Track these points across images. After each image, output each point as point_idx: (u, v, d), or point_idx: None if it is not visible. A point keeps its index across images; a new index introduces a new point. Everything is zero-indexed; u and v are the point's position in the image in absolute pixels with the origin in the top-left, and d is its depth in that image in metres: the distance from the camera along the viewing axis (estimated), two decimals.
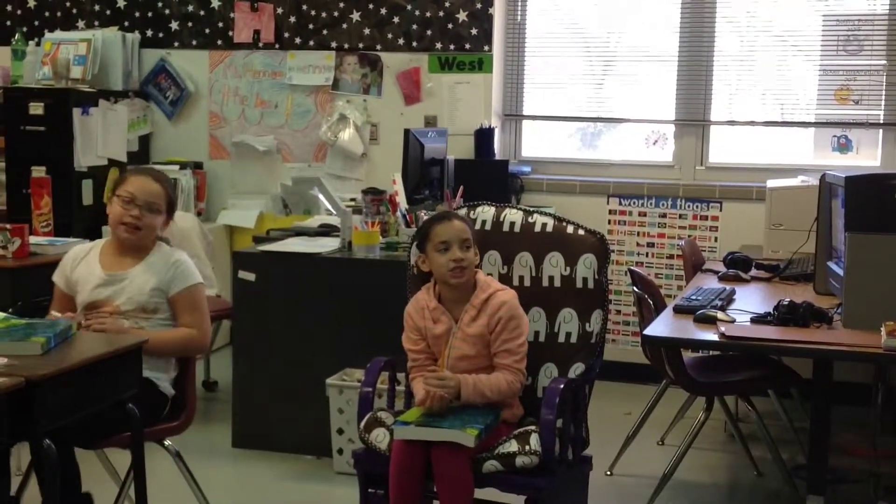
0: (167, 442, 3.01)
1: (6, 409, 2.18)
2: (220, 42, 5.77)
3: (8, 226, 3.81)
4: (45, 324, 2.64)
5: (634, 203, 5.31)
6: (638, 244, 5.32)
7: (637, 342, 4.88)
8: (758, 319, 3.02)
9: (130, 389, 2.64)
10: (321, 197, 4.93)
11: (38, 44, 5.62)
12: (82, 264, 3.11)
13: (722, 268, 4.05)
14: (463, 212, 3.02)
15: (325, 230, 4.38)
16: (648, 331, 2.99)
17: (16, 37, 5.63)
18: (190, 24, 5.81)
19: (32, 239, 3.92)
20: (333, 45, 5.61)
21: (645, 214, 5.30)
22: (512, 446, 2.61)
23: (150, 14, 5.85)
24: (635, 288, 3.71)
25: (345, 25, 5.59)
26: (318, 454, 3.90)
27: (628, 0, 5.40)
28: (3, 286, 3.74)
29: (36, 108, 5.21)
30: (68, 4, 5.92)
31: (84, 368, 2.42)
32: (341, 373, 3.78)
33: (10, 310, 3.04)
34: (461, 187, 4.39)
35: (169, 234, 3.23)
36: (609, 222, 5.32)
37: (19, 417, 2.22)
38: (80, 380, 2.41)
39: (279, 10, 5.66)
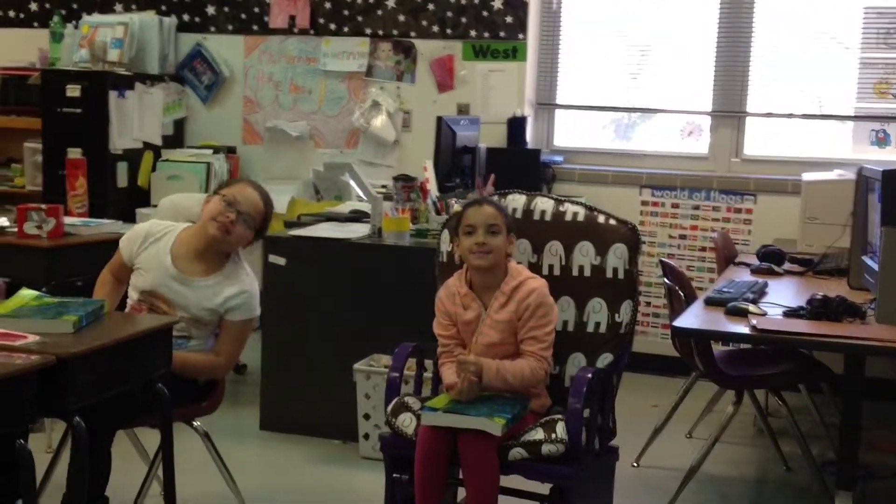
0: (196, 423, 3.04)
1: (37, 387, 2.21)
2: (255, 27, 5.79)
3: (43, 206, 3.86)
4: (77, 302, 2.66)
5: (668, 194, 5.27)
6: (670, 236, 5.28)
7: (667, 335, 4.85)
8: (790, 313, 2.98)
9: (160, 369, 2.66)
10: (352, 183, 4.94)
11: (76, 26, 5.67)
12: (153, 247, 3.05)
13: (755, 261, 4.01)
14: (491, 198, 3.01)
15: (356, 216, 4.39)
16: (678, 322, 2.97)
17: (54, 19, 5.69)
18: (226, 9, 5.83)
19: (67, 219, 3.96)
20: (368, 31, 5.61)
21: (678, 206, 5.26)
22: (538, 434, 2.60)
23: None
24: (666, 279, 3.68)
25: (379, 12, 5.58)
26: (344, 438, 3.92)
27: None
28: (37, 265, 3.79)
29: (73, 91, 5.26)
30: None
31: (114, 347, 2.44)
32: (369, 358, 3.80)
33: (44, 289, 3.07)
34: (492, 175, 4.38)
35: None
36: (641, 213, 5.29)
37: (51, 395, 2.25)
38: (110, 358, 2.43)
39: None
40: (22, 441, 2.22)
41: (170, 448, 2.75)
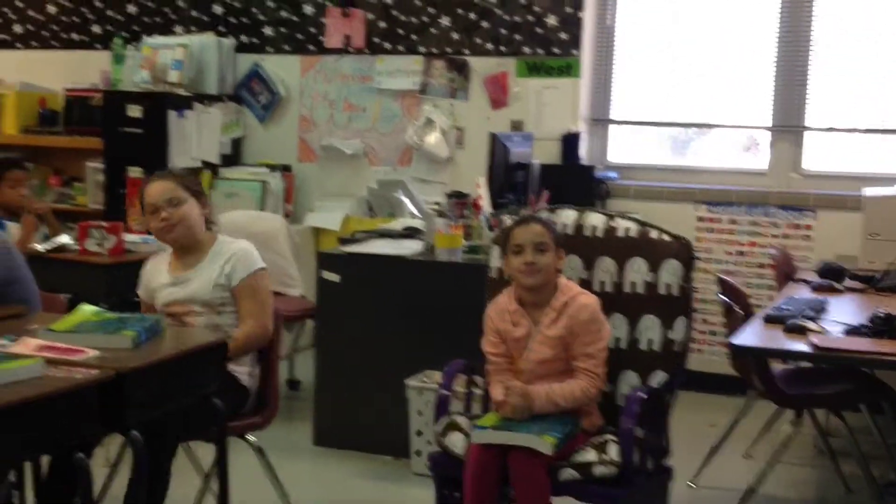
0: (250, 437, 3.07)
1: (97, 401, 2.25)
2: (311, 47, 5.86)
3: (104, 224, 3.95)
4: (135, 318, 2.71)
5: (725, 210, 5.20)
6: (727, 252, 5.20)
7: (724, 352, 4.77)
8: (851, 331, 2.93)
9: (214, 384, 2.69)
10: (405, 200, 4.96)
11: (137, 48, 5.79)
12: (155, 273, 3.19)
13: (815, 278, 3.94)
14: (544, 216, 3.00)
15: (409, 233, 4.41)
16: (736, 340, 2.93)
17: (116, 41, 5.82)
18: (282, 29, 5.91)
19: (127, 237, 4.05)
20: (422, 49, 5.64)
21: (735, 222, 5.19)
22: (590, 455, 2.58)
23: (244, 20, 5.97)
24: (723, 296, 3.63)
25: (433, 30, 5.62)
26: (396, 455, 3.93)
27: (723, 2, 5.30)
28: (98, 281, 3.88)
29: (134, 111, 5.38)
30: (167, 10, 6.09)
31: (171, 362, 2.48)
32: (421, 374, 3.80)
33: (104, 304, 3.13)
34: (545, 192, 4.36)
35: (217, 220, 3.27)
36: (697, 230, 5.22)
37: (110, 410, 2.28)
38: (167, 373, 2.47)
39: (369, 16, 5.72)
40: (81, 455, 2.27)
41: (225, 462, 2.78)
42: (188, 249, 3.13)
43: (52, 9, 6.26)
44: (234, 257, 3.10)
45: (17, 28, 6.34)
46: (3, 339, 2.46)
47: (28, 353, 2.34)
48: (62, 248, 3.97)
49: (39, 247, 3.95)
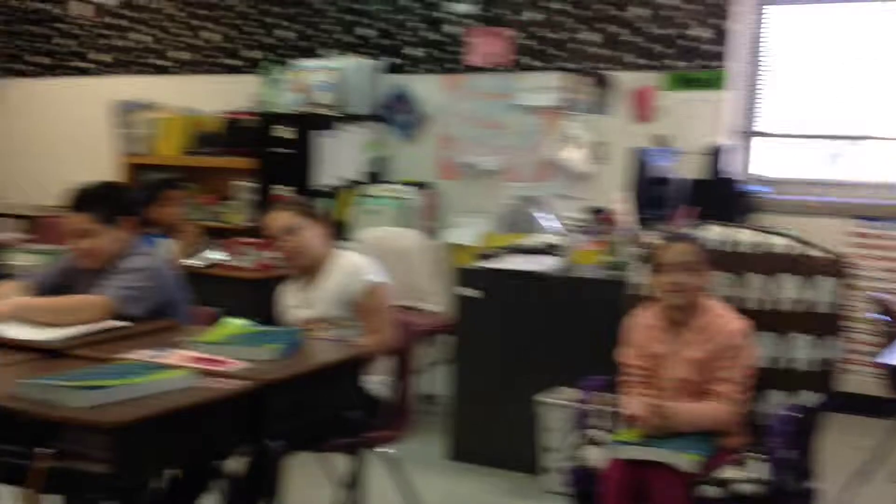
0: (385, 450, 3.10)
1: (245, 412, 2.32)
2: (453, 66, 5.92)
3: (253, 241, 4.09)
4: (279, 332, 2.80)
5: (882, 226, 4.94)
6: (884, 270, 4.94)
7: (871, 372, 4.53)
8: None
9: (351, 397, 2.74)
10: (544, 216, 4.94)
11: (287, 72, 6.00)
12: (283, 294, 3.36)
13: None
14: (693, 233, 2.93)
15: (547, 249, 4.38)
16: (894, 360, 2.78)
17: (267, 65, 6.05)
18: (426, 50, 6.00)
19: (267, 254, 4.17)
20: (564, 65, 5.61)
21: (891, 237, 4.92)
22: (733, 473, 2.49)
23: (390, 42, 6.09)
24: (878, 315, 3.45)
25: (576, 45, 5.58)
26: (529, 471, 3.89)
27: (877, 11, 5.06)
28: (246, 296, 4.01)
29: (283, 132, 5.56)
30: (315, 34, 6.28)
31: (311, 375, 2.54)
32: (555, 390, 3.76)
33: (255, 319, 3.25)
34: (691, 208, 4.25)
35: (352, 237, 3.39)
36: (851, 245, 4.98)
37: (250, 420, 2.36)
38: (307, 386, 2.53)
39: (512, 33, 5.74)
40: (221, 462, 2.35)
41: (360, 474, 2.82)
42: (309, 269, 3.27)
43: (207, 35, 6.56)
44: (348, 272, 3.22)
45: (177, 55, 6.67)
46: (156, 351, 2.58)
47: (179, 364, 2.45)
48: (215, 264, 4.14)
49: (195, 263, 4.13)
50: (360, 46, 6.14)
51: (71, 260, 3.11)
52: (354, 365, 2.75)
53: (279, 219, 3.27)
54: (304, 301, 3.24)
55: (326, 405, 2.65)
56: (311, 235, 3.26)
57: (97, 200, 2.99)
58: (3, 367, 2.41)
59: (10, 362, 2.49)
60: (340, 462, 3.00)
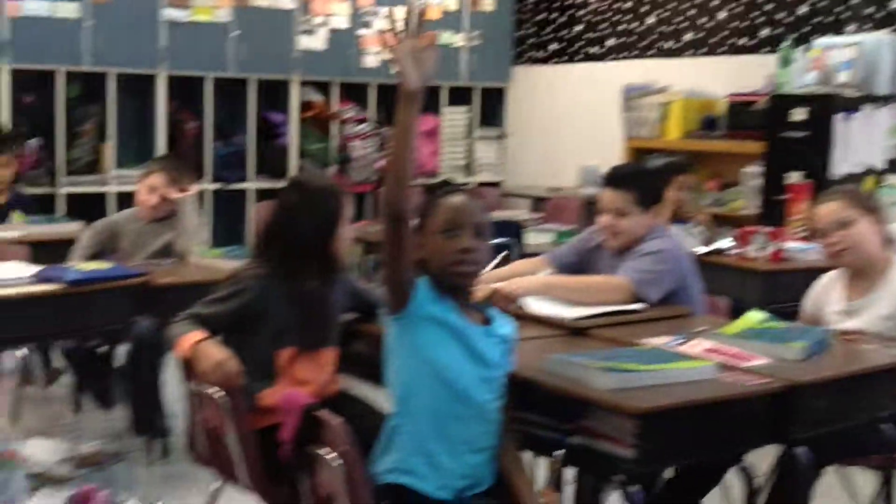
0: None
1: (766, 412, 2.19)
2: None
3: (766, 230, 3.89)
4: (801, 330, 2.61)
5: None
6: None
7: None
8: None
9: (887, 408, 2.46)
10: None
11: (806, 50, 5.65)
12: (825, 295, 3.04)
13: None
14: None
15: None
16: None
17: (784, 44, 5.74)
18: None
19: (787, 245, 3.94)
20: None
21: None
22: None
23: None
24: None
25: None
26: None
27: None
28: (754, 287, 3.84)
29: (798, 115, 5.24)
30: (839, 9, 5.84)
31: (844, 380, 2.32)
32: None
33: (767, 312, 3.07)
34: None
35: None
36: None
37: (774, 422, 2.21)
38: (839, 391, 2.32)
39: None
40: (744, 462, 2.23)
41: (890, 492, 2.54)
42: (861, 273, 2.93)
43: (722, 15, 6.41)
44: None
45: (687, 36, 6.61)
46: (673, 338, 2.54)
47: (699, 355, 2.38)
48: (719, 252, 4.02)
49: (703, 250, 4.04)
50: (891, 21, 5.58)
51: (586, 240, 3.17)
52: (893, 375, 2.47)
53: (828, 210, 2.97)
54: (850, 310, 2.92)
55: (861, 415, 2.41)
56: (866, 231, 2.91)
57: (636, 181, 3.02)
58: (532, 340, 2.52)
59: (537, 336, 2.60)
60: (862, 479, 2.73)
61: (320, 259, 2.60)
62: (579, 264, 3.11)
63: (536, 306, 2.77)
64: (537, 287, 2.85)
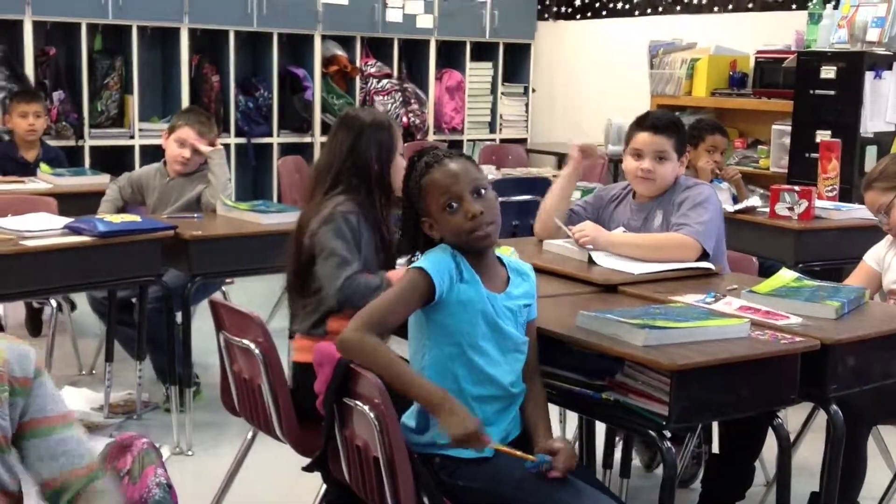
0: None
1: (802, 368, 2.19)
2: None
3: (797, 188, 3.86)
4: (833, 288, 2.59)
5: None
6: None
7: None
8: None
9: None
10: None
11: (835, 6, 5.56)
12: (888, 256, 3.00)
13: None
14: None
15: None
16: None
17: (814, 0, 5.65)
18: None
19: (818, 203, 3.91)
20: None
21: None
22: None
23: None
24: None
25: None
26: None
27: None
28: (785, 246, 3.81)
29: (827, 72, 5.17)
30: None
31: (878, 339, 2.31)
32: None
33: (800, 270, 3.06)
34: None
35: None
36: None
37: (808, 380, 2.21)
38: (872, 350, 2.31)
39: None
40: (779, 419, 2.23)
41: None
42: None
43: None
44: None
45: None
46: (704, 296, 2.53)
47: (732, 313, 2.37)
48: (751, 210, 3.99)
49: (729, 208, 4.02)
50: None
51: (599, 198, 3.14)
52: None
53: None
54: None
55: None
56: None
57: (676, 128, 2.99)
58: (562, 297, 2.52)
59: (567, 293, 2.60)
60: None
61: (381, 189, 2.66)
62: (597, 222, 3.07)
63: (603, 260, 2.79)
64: (605, 243, 2.84)
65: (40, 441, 1.57)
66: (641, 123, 3.01)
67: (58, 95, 5.82)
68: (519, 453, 2.02)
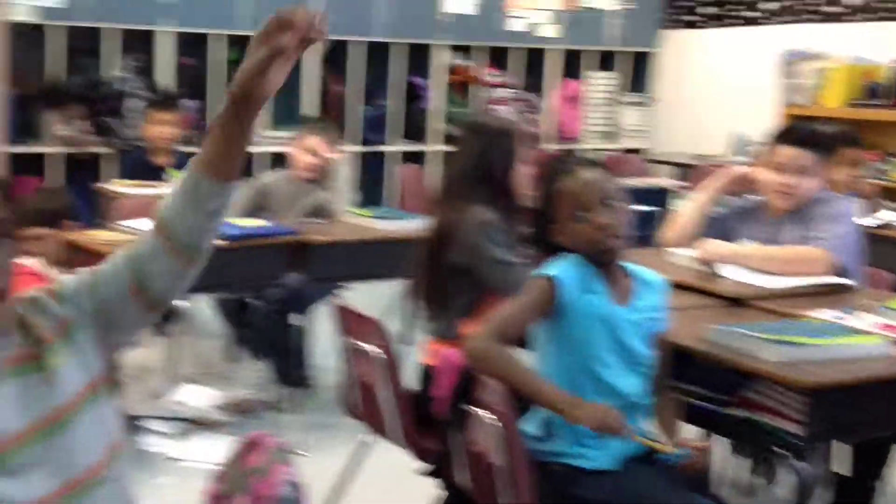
0: None
1: None
2: None
3: None
4: None
5: None
6: None
7: None
8: None
9: None
10: None
11: None
12: None
13: None
14: None
15: None
16: None
17: None
18: None
19: None
20: None
21: None
22: None
23: None
24: None
25: None
26: None
27: None
28: None
29: None
30: None
31: None
32: None
33: None
34: None
35: None
36: None
37: None
38: None
39: None
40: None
41: None
42: None
43: None
44: None
45: (850, 1, 6.28)
46: (839, 312, 2.43)
47: (867, 330, 2.27)
48: (888, 226, 3.82)
49: (865, 223, 3.84)
50: None
51: (726, 211, 3.04)
52: None
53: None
54: None
55: None
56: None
57: (817, 141, 2.88)
58: (690, 310, 2.46)
59: (694, 305, 2.53)
60: None
61: (506, 196, 2.66)
62: (722, 235, 2.96)
63: (731, 273, 2.71)
64: (733, 256, 2.77)
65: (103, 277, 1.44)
66: (785, 137, 2.90)
67: (190, 105, 6.01)
68: (659, 445, 1.98)
